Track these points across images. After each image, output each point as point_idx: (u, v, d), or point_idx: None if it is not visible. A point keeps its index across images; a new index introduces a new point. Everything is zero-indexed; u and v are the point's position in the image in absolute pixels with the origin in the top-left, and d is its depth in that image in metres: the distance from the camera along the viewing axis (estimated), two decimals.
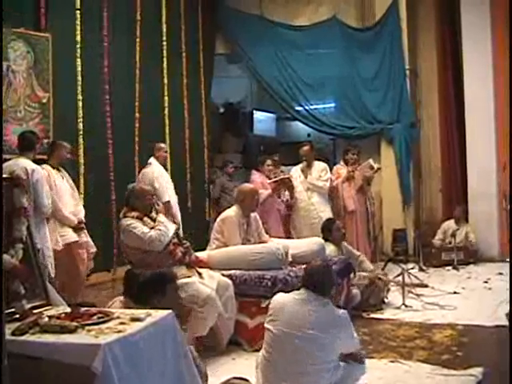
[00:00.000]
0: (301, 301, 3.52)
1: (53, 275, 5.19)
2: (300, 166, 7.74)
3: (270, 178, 7.49)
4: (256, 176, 7.56)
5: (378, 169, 8.24)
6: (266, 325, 3.61)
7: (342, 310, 3.59)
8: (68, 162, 6.01)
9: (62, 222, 5.69)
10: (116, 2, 7.56)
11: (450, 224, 9.21)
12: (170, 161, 8.33)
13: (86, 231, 5.96)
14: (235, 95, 11.63)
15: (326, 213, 7.40)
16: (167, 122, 8.55)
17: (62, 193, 5.74)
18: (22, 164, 5.00)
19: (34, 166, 5.11)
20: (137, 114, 7.92)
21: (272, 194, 7.27)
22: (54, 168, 5.75)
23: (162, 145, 7.65)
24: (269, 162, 7.61)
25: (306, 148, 7.73)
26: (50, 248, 5.28)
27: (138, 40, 7.95)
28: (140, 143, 7.93)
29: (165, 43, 8.51)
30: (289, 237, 7.06)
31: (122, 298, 3.83)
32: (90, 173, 7.00)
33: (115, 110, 7.48)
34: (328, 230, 6.36)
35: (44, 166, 5.65)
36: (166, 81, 8.53)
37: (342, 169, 8.10)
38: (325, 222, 6.56)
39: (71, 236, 5.72)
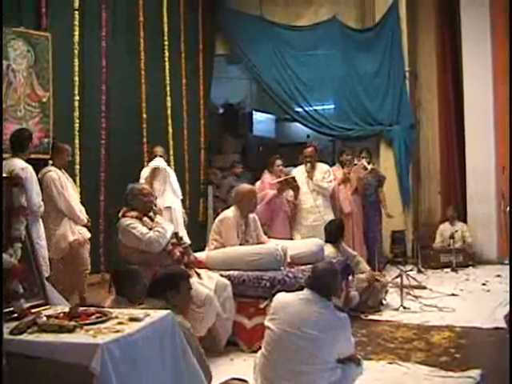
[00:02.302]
0: (305, 301, 3.53)
1: (47, 274, 5.20)
2: (303, 167, 7.69)
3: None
4: (266, 176, 7.52)
5: (372, 169, 8.22)
6: (266, 323, 3.62)
7: (342, 313, 3.60)
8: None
9: (75, 220, 5.79)
10: (116, 3, 7.56)
11: (446, 226, 9.23)
12: (171, 161, 8.37)
13: None
14: (235, 96, 11.64)
15: (329, 215, 7.38)
16: (167, 122, 8.56)
17: (70, 193, 5.83)
18: (13, 163, 4.98)
19: (25, 165, 5.09)
20: (139, 115, 7.93)
21: (278, 195, 7.23)
22: (59, 169, 5.82)
23: (156, 149, 7.53)
24: (278, 162, 7.54)
25: (309, 149, 7.68)
26: (45, 247, 5.29)
27: (138, 40, 7.95)
28: (141, 144, 7.93)
29: (165, 44, 8.51)
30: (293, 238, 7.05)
31: (112, 297, 3.88)
32: (89, 172, 7.00)
33: (115, 110, 7.47)
34: (335, 233, 6.34)
35: (53, 168, 5.75)
36: (165, 81, 8.53)
37: (337, 171, 8.07)
38: (334, 225, 6.51)
39: (86, 233, 5.87)
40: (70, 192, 5.83)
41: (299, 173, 7.65)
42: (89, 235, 5.91)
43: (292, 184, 7.32)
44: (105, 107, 7.37)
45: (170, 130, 8.61)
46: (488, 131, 9.12)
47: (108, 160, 7.40)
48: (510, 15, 8.06)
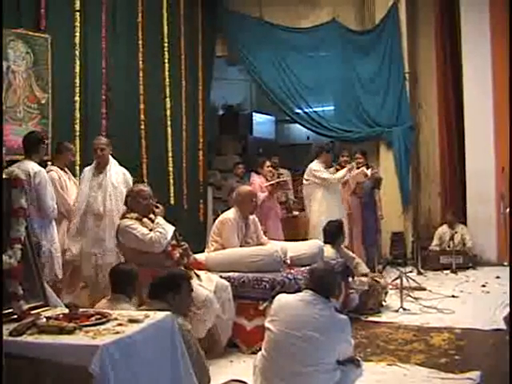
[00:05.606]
0: (306, 302, 3.53)
1: (60, 276, 5.22)
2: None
3: (268, 180, 7.47)
4: (255, 178, 7.56)
5: (372, 174, 8.18)
6: (266, 324, 3.62)
7: (342, 315, 3.60)
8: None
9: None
10: (116, 4, 7.55)
11: (444, 229, 9.22)
12: (169, 162, 8.39)
13: None
14: (235, 97, 11.66)
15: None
16: (167, 123, 8.54)
17: (71, 193, 5.79)
18: (25, 166, 4.96)
19: (37, 168, 5.07)
20: (138, 116, 7.91)
21: (270, 197, 7.25)
22: (61, 169, 5.78)
23: (96, 141, 5.88)
24: (268, 163, 7.60)
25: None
26: (59, 249, 5.29)
27: (138, 42, 7.94)
28: (141, 145, 7.92)
29: (165, 45, 8.51)
30: (288, 239, 7.04)
31: (107, 297, 3.90)
32: None
33: (114, 111, 7.46)
34: (334, 235, 6.33)
35: (53, 167, 5.73)
36: (165, 83, 8.52)
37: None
38: (333, 226, 6.49)
39: None
40: (71, 193, 5.80)
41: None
42: None
43: (284, 187, 7.35)
44: (108, 108, 7.37)
45: (170, 131, 8.60)
46: (488, 133, 9.12)
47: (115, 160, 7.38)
48: (510, 18, 8.07)
